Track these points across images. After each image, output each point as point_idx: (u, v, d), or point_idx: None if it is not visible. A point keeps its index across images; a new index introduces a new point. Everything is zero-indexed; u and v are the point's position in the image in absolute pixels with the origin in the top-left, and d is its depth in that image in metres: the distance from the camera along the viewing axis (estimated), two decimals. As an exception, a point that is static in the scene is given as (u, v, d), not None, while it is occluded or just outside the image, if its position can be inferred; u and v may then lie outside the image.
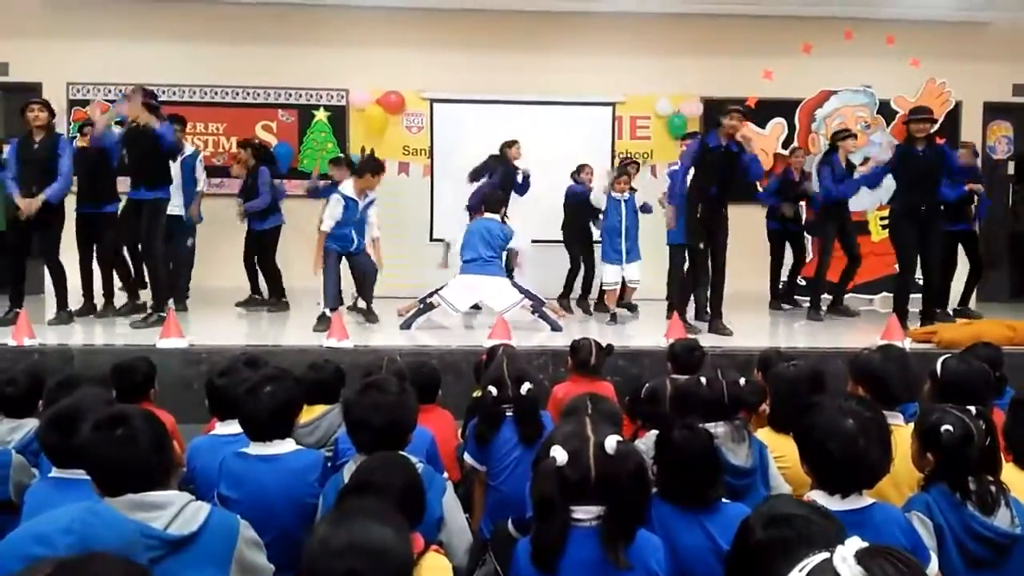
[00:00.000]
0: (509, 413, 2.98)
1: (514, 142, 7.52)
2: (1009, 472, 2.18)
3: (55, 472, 2.14)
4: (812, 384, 2.76)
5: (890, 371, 2.64)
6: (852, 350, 4.62)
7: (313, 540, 1.43)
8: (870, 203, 8.80)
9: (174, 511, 1.74)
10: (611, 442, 1.76)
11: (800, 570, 0.99)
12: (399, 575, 1.44)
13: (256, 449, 2.44)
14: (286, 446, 2.47)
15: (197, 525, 1.74)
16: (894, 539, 1.82)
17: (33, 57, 8.47)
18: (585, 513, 1.77)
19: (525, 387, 2.94)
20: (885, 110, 8.77)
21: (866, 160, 8.74)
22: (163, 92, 8.57)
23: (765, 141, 8.83)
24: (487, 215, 6.72)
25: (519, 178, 7.48)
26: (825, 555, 0.99)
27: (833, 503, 1.80)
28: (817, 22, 8.51)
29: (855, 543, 0.99)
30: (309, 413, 2.98)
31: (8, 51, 8.51)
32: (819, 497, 1.80)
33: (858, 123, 8.79)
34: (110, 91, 8.58)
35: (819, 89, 8.75)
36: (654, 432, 2.69)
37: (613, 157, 8.80)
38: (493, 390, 2.97)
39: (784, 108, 8.75)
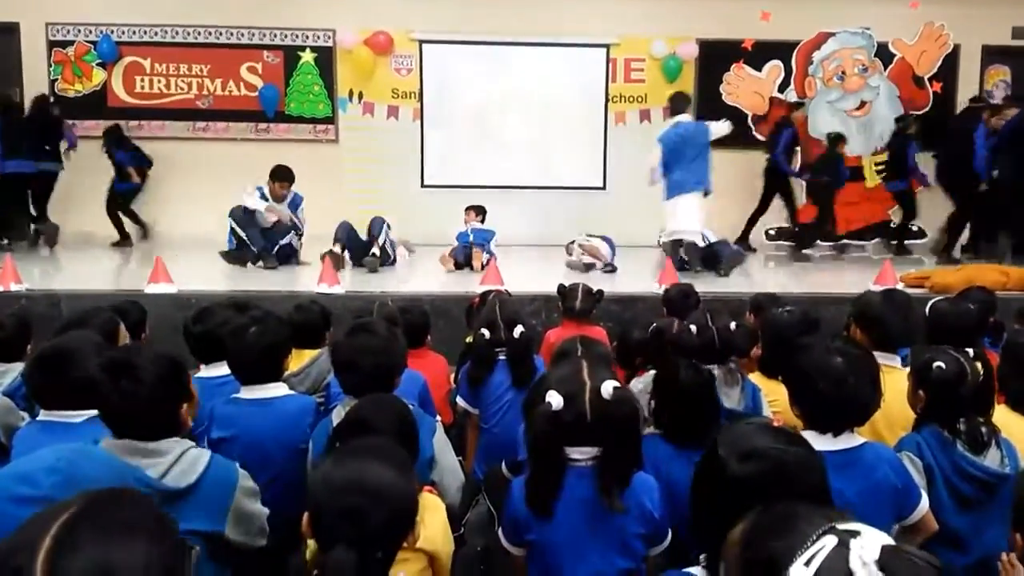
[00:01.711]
0: (502, 356, 2.98)
1: None
2: (1001, 414, 2.18)
3: (43, 415, 2.10)
4: (804, 329, 2.75)
5: (888, 314, 2.64)
6: (845, 295, 4.64)
7: (316, 478, 1.42)
8: (865, 149, 8.75)
9: (172, 459, 1.70)
10: (607, 387, 1.75)
11: (806, 563, 0.87)
12: (402, 513, 1.43)
13: (248, 393, 2.42)
14: (279, 390, 2.45)
15: (195, 476, 1.71)
16: (885, 478, 1.83)
17: (8, -4, 8.20)
18: (580, 454, 1.77)
19: (518, 330, 2.93)
20: (883, 53, 8.64)
21: (863, 104, 8.67)
22: (145, 33, 8.38)
23: (761, 84, 8.71)
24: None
25: None
26: (831, 543, 0.87)
27: (824, 443, 1.80)
28: (816, -39, 8.31)
29: (873, 540, 0.86)
30: (298, 359, 2.95)
31: (-18, -11, 8.23)
32: (810, 437, 1.79)
33: (856, 66, 8.67)
34: (90, 31, 8.34)
35: (816, 31, 8.61)
36: (651, 372, 2.69)
37: (607, 101, 8.65)
38: (486, 333, 2.96)
39: (781, 50, 8.62)
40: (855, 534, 0.88)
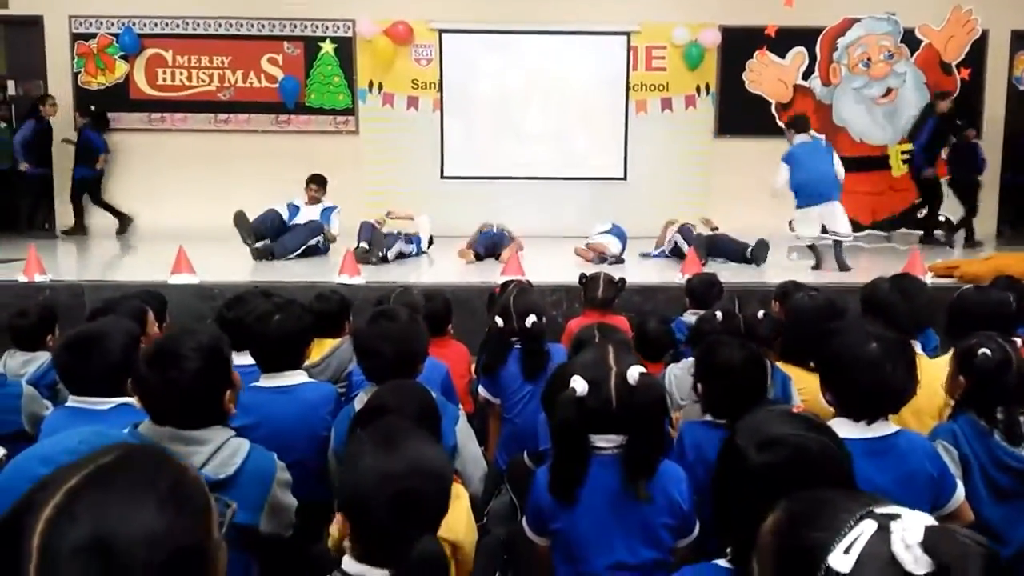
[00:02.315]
0: (518, 346, 2.95)
1: None
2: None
3: (72, 401, 2.10)
4: (829, 314, 2.71)
5: (894, 300, 2.60)
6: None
7: (359, 468, 1.34)
8: (891, 138, 8.61)
9: (212, 448, 1.69)
10: (633, 372, 1.72)
11: (846, 551, 0.82)
12: (447, 494, 1.42)
13: (269, 381, 2.41)
14: (299, 377, 2.44)
15: (234, 467, 1.69)
16: (920, 467, 1.78)
17: (33, -11, 8.27)
18: (606, 442, 1.74)
19: (530, 320, 2.90)
20: (909, 39, 8.49)
21: (889, 91, 8.52)
22: (167, 25, 8.42)
23: (785, 72, 8.59)
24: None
25: None
26: (871, 528, 0.83)
27: (857, 431, 1.75)
28: (841, -54, 8.16)
29: (915, 521, 0.81)
30: (319, 350, 2.94)
31: (6, -18, 8.30)
32: (843, 425, 1.74)
33: (881, 52, 8.52)
34: (112, 24, 8.39)
35: (841, 17, 8.47)
36: (687, 360, 2.65)
37: (628, 90, 8.57)
38: (500, 321, 2.94)
39: (805, 36, 8.48)
40: (895, 517, 0.84)
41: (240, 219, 6.15)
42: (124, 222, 8.36)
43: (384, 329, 2.28)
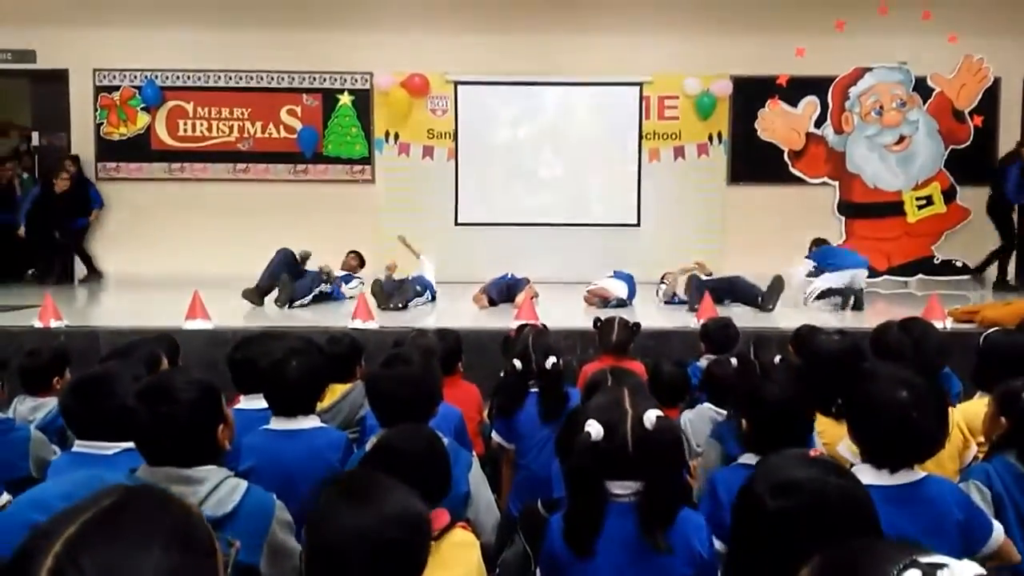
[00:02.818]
0: (534, 389, 2.91)
1: None
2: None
3: (77, 446, 2.08)
4: (854, 357, 2.65)
5: (904, 344, 2.55)
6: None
7: (331, 526, 1.27)
8: (905, 184, 8.60)
9: (209, 487, 1.68)
10: (651, 416, 1.66)
11: None
12: (427, 544, 1.36)
13: (279, 424, 2.39)
14: (310, 422, 2.42)
15: (232, 505, 1.68)
16: (948, 512, 1.71)
17: (59, 44, 8.51)
18: (622, 488, 1.67)
19: (550, 361, 2.86)
20: (921, 87, 8.54)
21: (902, 139, 8.55)
22: (189, 78, 8.62)
23: (797, 120, 8.64)
24: None
25: None
26: None
27: (881, 478, 1.69)
28: (851, -3, 8.26)
29: (964, 571, 0.77)
30: (330, 395, 2.91)
31: (35, 38, 8.55)
32: (866, 472, 1.68)
33: (894, 101, 8.57)
34: (135, 77, 8.60)
35: (853, 66, 8.55)
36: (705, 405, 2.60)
37: (640, 138, 8.65)
38: (518, 363, 2.90)
39: (817, 86, 8.55)
40: (941, 566, 0.79)
41: (284, 286, 6.18)
42: (93, 275, 8.44)
43: (399, 373, 2.26)
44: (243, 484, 1.74)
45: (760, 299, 6.18)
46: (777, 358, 2.77)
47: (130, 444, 2.01)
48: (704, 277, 6.58)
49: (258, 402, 2.62)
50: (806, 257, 6.81)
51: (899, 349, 2.54)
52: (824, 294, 6.39)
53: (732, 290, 6.40)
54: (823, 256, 6.66)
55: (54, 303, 5.13)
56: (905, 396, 1.74)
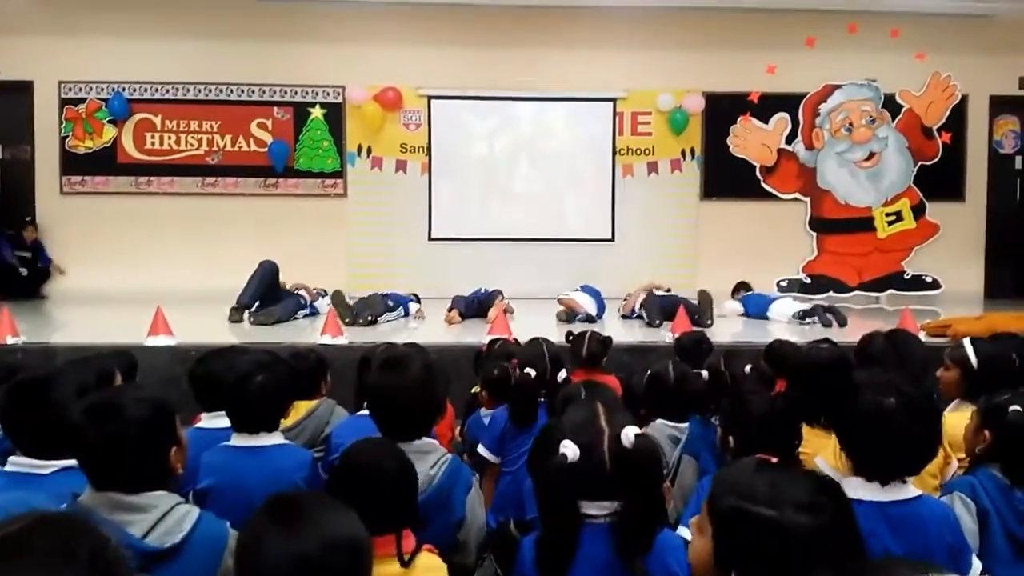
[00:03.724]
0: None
1: None
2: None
3: (11, 464, 1.91)
4: (843, 367, 2.61)
5: (888, 354, 2.52)
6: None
7: (263, 554, 1.20)
8: (875, 200, 8.69)
9: (157, 515, 1.57)
10: (628, 434, 1.58)
11: None
12: (369, 565, 1.28)
13: (240, 440, 2.29)
14: (273, 439, 2.32)
15: (181, 535, 1.57)
16: (940, 536, 1.65)
17: (24, 55, 8.34)
18: (598, 509, 1.59)
19: (562, 375, 2.81)
20: (890, 104, 8.64)
21: (871, 155, 8.64)
22: (157, 90, 8.48)
23: (768, 136, 8.70)
24: None
25: None
26: None
27: (872, 492, 1.64)
28: (820, 15, 8.37)
29: None
30: (294, 413, 2.81)
31: (-2, 49, 8.37)
32: (858, 486, 1.63)
33: (863, 117, 8.66)
34: (102, 89, 8.44)
35: (823, 83, 8.63)
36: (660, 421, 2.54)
37: (614, 153, 8.65)
38: (531, 372, 2.80)
39: (788, 102, 8.62)
40: None
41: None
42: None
43: (399, 379, 2.18)
44: (194, 511, 1.63)
45: (697, 316, 6.17)
46: (747, 367, 2.72)
47: (71, 462, 1.89)
48: (659, 294, 6.64)
49: (220, 420, 2.51)
50: (734, 299, 7.16)
51: (884, 359, 2.50)
52: (804, 315, 6.43)
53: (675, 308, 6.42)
54: (747, 303, 6.85)
55: (11, 318, 4.96)
56: (895, 404, 1.70)
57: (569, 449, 1.56)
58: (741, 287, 7.24)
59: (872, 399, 1.72)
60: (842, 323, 6.25)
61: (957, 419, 2.22)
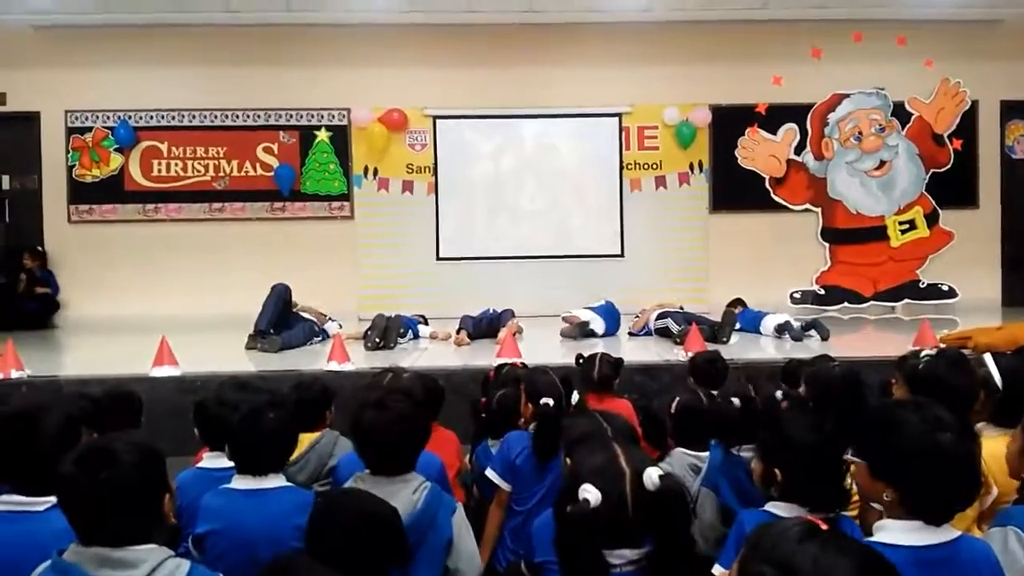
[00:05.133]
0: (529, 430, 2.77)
1: None
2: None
3: (2, 503, 1.84)
4: (856, 385, 2.50)
5: (958, 379, 2.36)
6: (885, 359, 4.38)
7: None
8: (887, 209, 8.58)
9: (146, 570, 1.50)
10: (652, 475, 1.48)
11: None
12: None
13: (241, 483, 2.21)
14: (275, 481, 2.24)
15: None
16: None
17: (30, 87, 8.37)
18: (619, 558, 1.50)
19: (574, 397, 2.75)
20: (900, 112, 8.55)
21: (882, 164, 8.55)
22: (163, 117, 8.50)
23: (777, 148, 8.62)
24: None
25: None
26: None
27: (912, 536, 1.52)
28: (826, 25, 8.30)
29: None
30: (297, 447, 2.74)
31: (5, 81, 8.41)
32: (894, 530, 1.52)
33: (872, 126, 8.58)
34: (108, 118, 8.46)
35: (830, 93, 8.56)
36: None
37: (621, 168, 8.59)
38: (550, 401, 2.71)
39: (795, 113, 8.55)
40: None
41: (272, 344, 5.96)
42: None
43: (384, 416, 2.16)
44: (185, 566, 1.56)
45: (714, 332, 6.06)
46: (779, 393, 2.61)
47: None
48: (672, 311, 6.57)
49: (222, 460, 2.45)
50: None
51: (953, 383, 2.30)
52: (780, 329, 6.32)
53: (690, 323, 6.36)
54: (742, 319, 6.65)
55: (15, 352, 4.92)
56: (949, 440, 1.57)
57: (591, 494, 1.46)
58: (737, 303, 7.10)
59: (925, 435, 1.58)
60: (824, 336, 6.08)
61: (993, 445, 2.09)
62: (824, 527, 1.09)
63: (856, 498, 2.00)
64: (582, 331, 6.33)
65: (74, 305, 8.35)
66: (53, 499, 1.82)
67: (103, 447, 1.59)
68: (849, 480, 1.78)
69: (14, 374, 4.74)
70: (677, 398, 2.78)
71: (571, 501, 1.51)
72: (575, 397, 2.83)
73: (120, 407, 3.04)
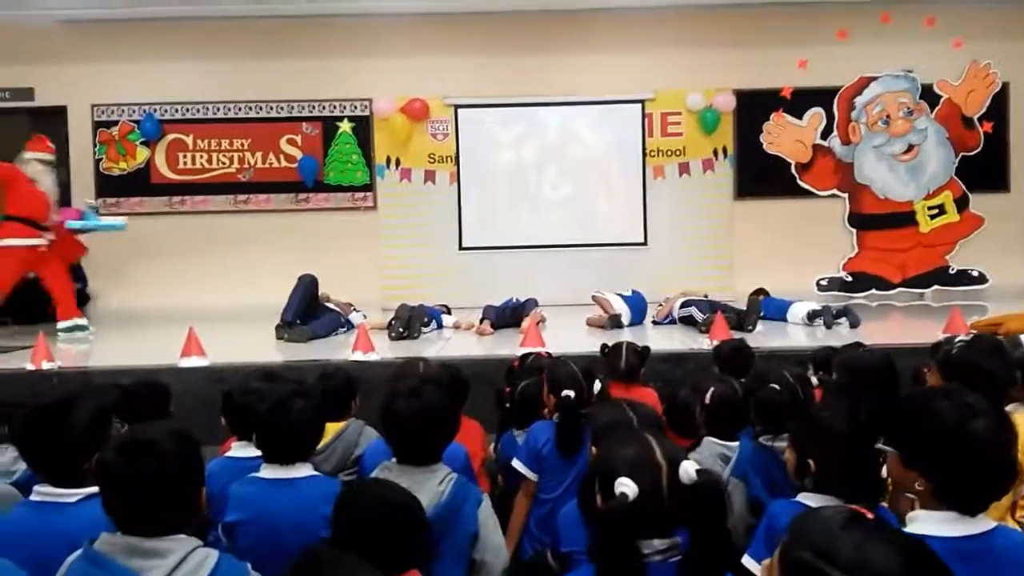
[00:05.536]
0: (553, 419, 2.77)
1: None
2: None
3: (36, 494, 1.88)
4: (890, 372, 2.46)
5: (994, 364, 2.32)
6: (917, 345, 4.32)
7: None
8: (915, 194, 8.45)
9: (175, 560, 1.52)
10: (689, 470, 1.47)
11: None
12: None
13: (269, 472, 2.24)
14: (302, 470, 2.26)
15: None
16: (1020, 574, 1.51)
17: (57, 81, 8.47)
18: (649, 548, 1.49)
19: (597, 386, 2.75)
20: (928, 95, 8.40)
21: (910, 148, 8.41)
22: (188, 110, 8.57)
23: (803, 132, 8.50)
24: None
25: None
26: None
27: (946, 527, 1.49)
28: (852, 6, 8.16)
29: None
30: (323, 435, 2.76)
31: (32, 76, 8.52)
32: (929, 521, 1.49)
33: (900, 109, 8.43)
34: (134, 111, 8.56)
35: (857, 76, 8.42)
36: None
37: (644, 156, 8.52)
38: (571, 394, 2.71)
39: (822, 97, 8.42)
40: None
41: (300, 334, 6.01)
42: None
43: (414, 407, 2.17)
44: (212, 556, 1.57)
45: (739, 320, 6.00)
46: (813, 378, 2.58)
47: (95, 488, 1.85)
48: (697, 299, 6.52)
49: (251, 449, 2.48)
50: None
51: (992, 370, 2.26)
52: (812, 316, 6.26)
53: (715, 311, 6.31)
54: (766, 307, 6.56)
55: (46, 343, 5.00)
56: (985, 425, 1.54)
57: (629, 488, 1.46)
58: (760, 293, 7.02)
59: (958, 423, 1.55)
60: (854, 324, 6.01)
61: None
62: (870, 515, 1.08)
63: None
64: (613, 324, 6.30)
65: (103, 297, 8.47)
66: (86, 491, 1.85)
67: (144, 436, 1.61)
68: (884, 471, 1.75)
69: (45, 366, 4.82)
70: (712, 388, 2.75)
71: (600, 491, 1.51)
72: (597, 386, 2.81)
73: (149, 397, 3.07)
